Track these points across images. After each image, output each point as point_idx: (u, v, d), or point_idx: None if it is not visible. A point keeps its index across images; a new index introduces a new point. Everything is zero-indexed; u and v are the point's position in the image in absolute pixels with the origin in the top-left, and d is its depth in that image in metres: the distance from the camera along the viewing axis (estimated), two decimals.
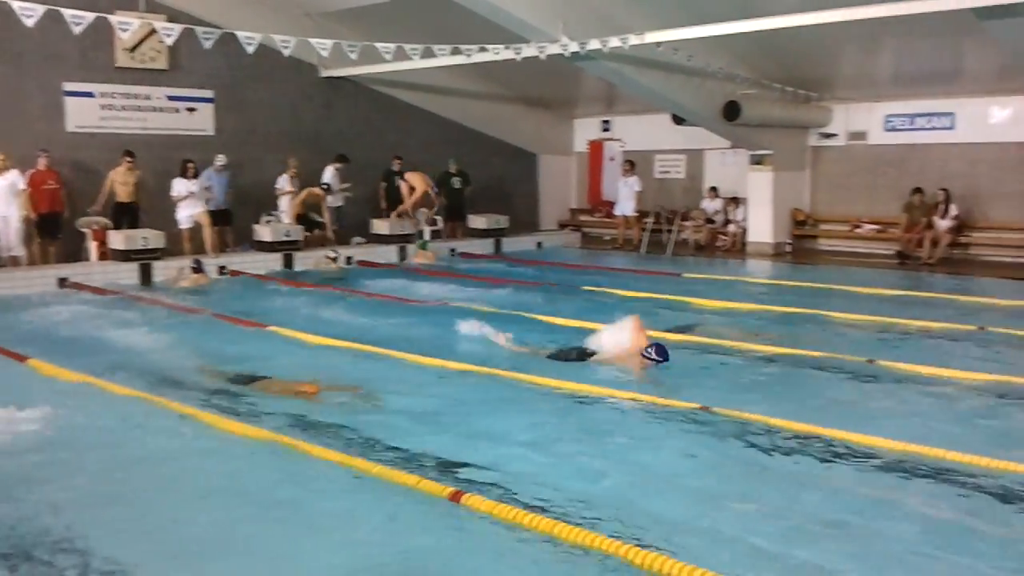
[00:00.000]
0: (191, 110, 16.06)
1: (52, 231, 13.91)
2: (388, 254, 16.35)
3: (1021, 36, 11.19)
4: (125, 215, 14.36)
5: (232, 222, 15.69)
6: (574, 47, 13.23)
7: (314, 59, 16.13)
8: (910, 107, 16.53)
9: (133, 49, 15.19)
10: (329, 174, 16.36)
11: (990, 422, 6.34)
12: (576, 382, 7.23)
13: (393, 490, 4.96)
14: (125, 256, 13.58)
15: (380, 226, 16.92)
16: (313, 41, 12.66)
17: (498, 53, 13.95)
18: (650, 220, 18.42)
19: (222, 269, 14.18)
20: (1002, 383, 7.21)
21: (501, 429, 6.20)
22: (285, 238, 15.24)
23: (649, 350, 7.73)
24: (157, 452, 5.79)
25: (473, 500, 4.70)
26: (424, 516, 4.64)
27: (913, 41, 13.91)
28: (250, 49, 12.17)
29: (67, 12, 10.58)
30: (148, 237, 13.81)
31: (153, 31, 13.40)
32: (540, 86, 18.79)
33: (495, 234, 18.20)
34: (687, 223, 18.45)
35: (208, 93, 16.20)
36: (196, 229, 14.55)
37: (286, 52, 12.51)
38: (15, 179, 13.28)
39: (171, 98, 15.82)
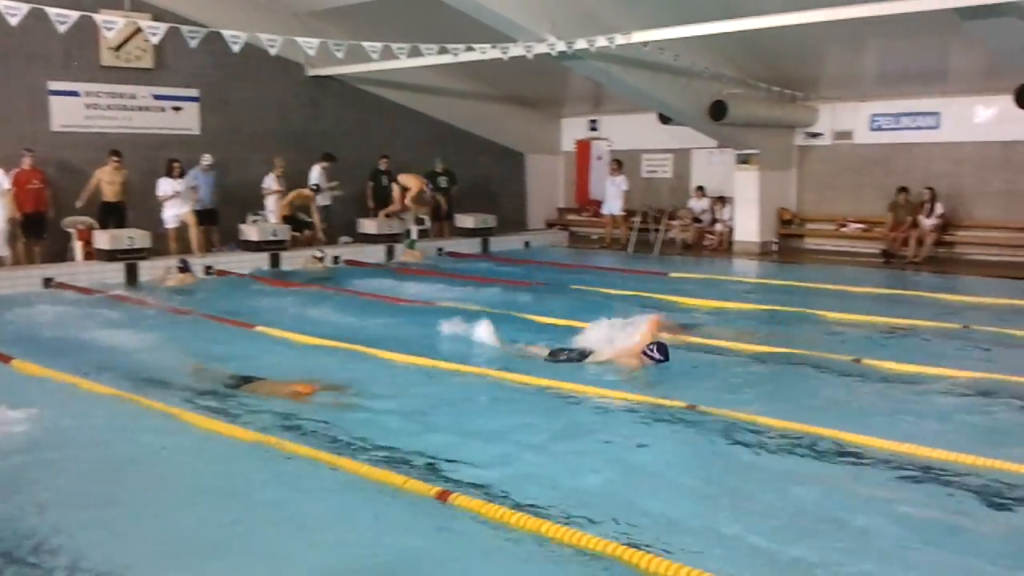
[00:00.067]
0: (177, 109, 16.00)
1: (37, 231, 13.84)
2: (376, 254, 16.33)
3: (1004, 36, 11.26)
4: (112, 215, 14.30)
5: (218, 222, 15.64)
6: (561, 46, 13.24)
7: (300, 58, 16.08)
8: (895, 107, 16.61)
9: (118, 48, 15.12)
10: (316, 173, 16.32)
11: (974, 419, 6.38)
12: (564, 381, 7.24)
13: (381, 490, 4.95)
14: (111, 256, 13.52)
15: (368, 225, 16.91)
16: (299, 40, 12.62)
17: (485, 52, 13.95)
18: (637, 219, 18.45)
19: (208, 269, 14.13)
20: (986, 380, 7.25)
21: (489, 428, 6.21)
22: (272, 238, 15.21)
23: (651, 347, 7.70)
24: (145, 453, 5.77)
25: (460, 499, 4.71)
26: (411, 516, 4.64)
27: (898, 41, 13.98)
28: (236, 48, 12.13)
29: (52, 11, 10.52)
30: (134, 237, 13.76)
31: (138, 30, 13.35)
32: (527, 85, 18.80)
33: (483, 233, 18.20)
34: (674, 222, 18.49)
35: (194, 92, 16.13)
36: (182, 229, 14.49)
37: (272, 51, 12.47)
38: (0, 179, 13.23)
39: (157, 97, 15.75)
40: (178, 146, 15.43)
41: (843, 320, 10.08)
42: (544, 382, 7.26)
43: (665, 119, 17.71)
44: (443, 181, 18.12)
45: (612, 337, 8.07)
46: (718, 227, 18.17)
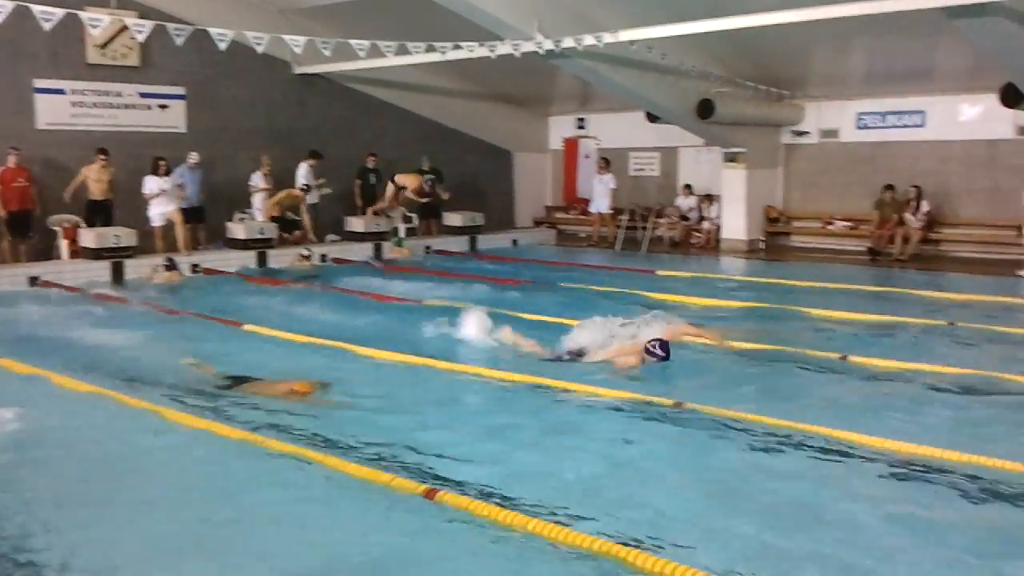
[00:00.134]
0: (163, 107, 15.93)
1: (23, 229, 13.77)
2: (363, 251, 16.31)
3: (990, 35, 11.31)
4: (99, 213, 14.24)
5: (205, 220, 15.59)
6: (549, 45, 13.24)
7: (287, 56, 16.04)
8: (881, 105, 16.69)
9: (104, 46, 15.05)
10: (303, 171, 16.29)
11: (959, 416, 6.41)
12: (552, 379, 7.25)
13: (368, 488, 4.95)
14: (97, 254, 13.47)
15: (355, 224, 16.89)
16: (286, 38, 12.58)
17: (473, 51, 13.94)
18: (625, 217, 18.49)
19: (195, 267, 14.10)
20: (971, 376, 7.30)
21: (477, 426, 6.23)
22: (259, 236, 15.17)
23: (654, 344, 7.65)
24: (133, 452, 5.75)
25: (448, 497, 4.71)
26: (398, 514, 4.64)
27: (884, 40, 14.04)
28: (222, 46, 12.08)
29: (37, 8, 10.45)
30: (120, 235, 13.71)
31: (124, 27, 13.30)
32: (515, 84, 18.79)
33: (470, 232, 18.21)
34: (661, 220, 18.53)
35: (180, 90, 16.07)
36: (168, 227, 14.44)
37: (259, 49, 12.43)
38: None
39: (143, 95, 15.68)
40: (164, 144, 15.37)
41: (829, 317, 10.12)
42: (532, 379, 7.27)
43: (653, 117, 17.74)
44: (430, 179, 18.09)
45: (612, 335, 8.04)
46: (705, 225, 18.22)
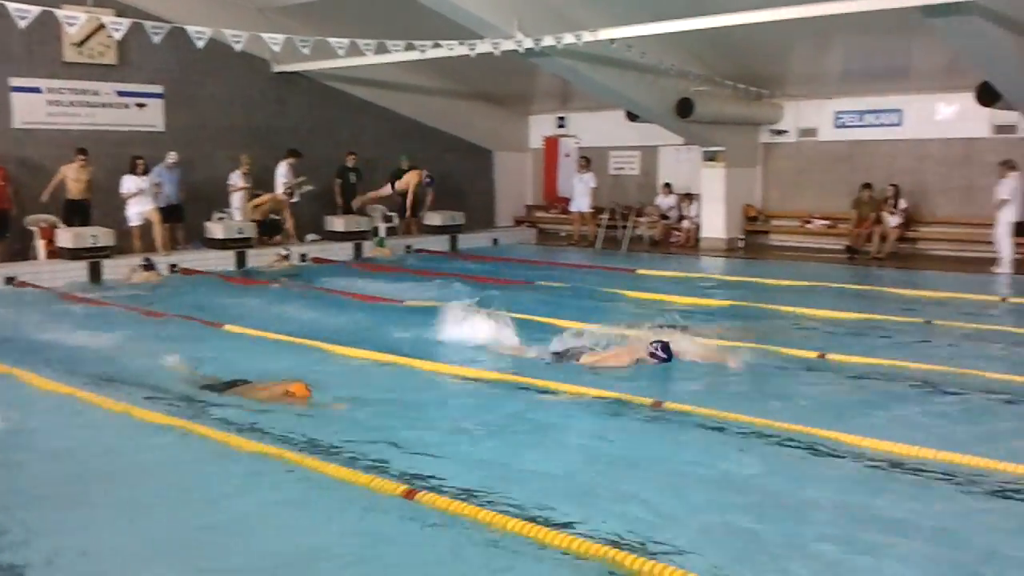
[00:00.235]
0: (141, 106, 15.82)
1: None
2: (343, 251, 16.27)
3: (965, 34, 11.41)
4: (77, 212, 14.13)
5: (184, 219, 15.50)
6: (528, 43, 13.25)
7: (266, 54, 15.98)
8: (859, 104, 16.81)
9: (81, 44, 14.93)
10: (283, 170, 16.22)
11: (936, 413, 6.46)
12: (535, 379, 7.25)
13: (347, 489, 4.94)
14: (74, 254, 13.37)
15: (335, 223, 16.85)
16: (265, 36, 12.53)
17: (452, 49, 13.93)
18: (605, 216, 18.54)
19: (173, 267, 14.03)
20: (948, 374, 7.35)
21: (458, 426, 6.21)
22: (237, 235, 15.10)
23: (655, 346, 7.65)
24: (110, 454, 5.71)
25: (427, 497, 4.71)
26: (378, 515, 4.63)
27: (862, 39, 14.13)
28: (200, 44, 12.01)
29: (12, 6, 10.34)
30: (97, 235, 13.62)
31: (101, 26, 13.17)
32: (495, 82, 18.79)
33: (451, 231, 18.20)
34: (642, 219, 18.58)
35: (158, 88, 15.97)
36: (146, 227, 14.36)
37: (237, 47, 12.38)
38: None
39: (120, 94, 15.57)
40: (142, 143, 15.27)
41: (808, 315, 10.18)
42: (515, 379, 7.29)
43: (632, 116, 17.79)
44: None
45: (604, 343, 8.04)
46: (685, 224, 18.28)
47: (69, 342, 8.97)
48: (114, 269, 13.51)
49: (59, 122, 14.90)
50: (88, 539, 4.45)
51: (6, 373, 7.53)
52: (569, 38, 12.86)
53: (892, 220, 15.81)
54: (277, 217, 16.18)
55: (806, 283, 12.60)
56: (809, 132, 17.57)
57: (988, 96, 13.89)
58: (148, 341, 8.92)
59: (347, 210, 17.27)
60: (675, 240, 18.29)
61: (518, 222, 21.39)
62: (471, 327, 8.71)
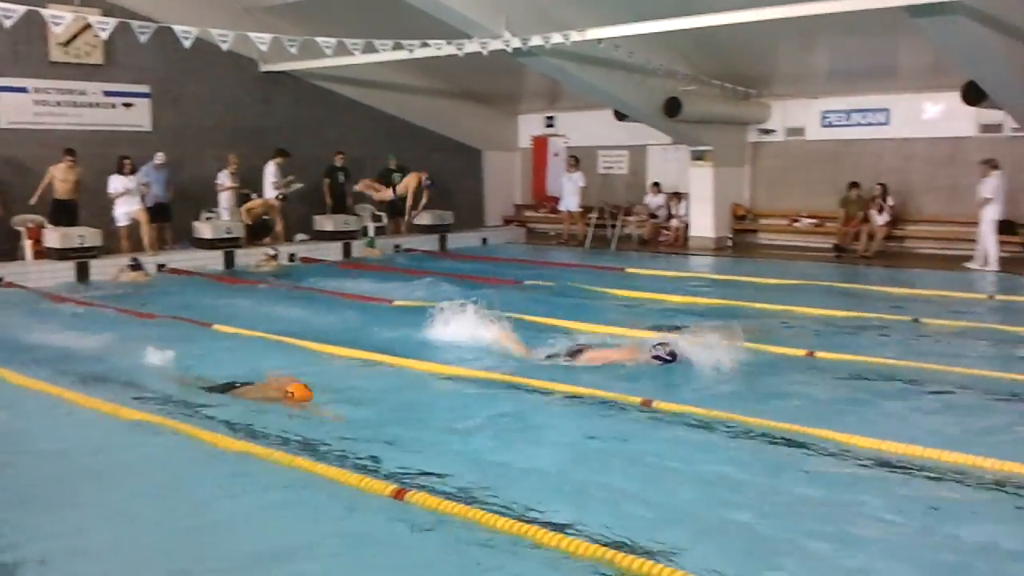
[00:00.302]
0: (128, 105, 15.76)
1: None
2: (332, 251, 16.24)
3: (950, 34, 11.46)
4: (64, 213, 14.06)
5: (171, 219, 15.44)
6: (516, 43, 13.25)
7: (253, 54, 15.93)
8: (846, 103, 16.89)
9: (67, 43, 14.86)
10: (271, 169, 16.18)
11: (925, 410, 6.50)
12: (524, 377, 7.25)
13: (337, 489, 4.93)
14: (62, 255, 13.32)
15: (324, 223, 16.82)
16: (252, 35, 12.48)
17: (440, 49, 13.93)
18: (594, 215, 18.57)
19: (161, 267, 13.98)
20: (936, 372, 7.38)
21: (447, 425, 6.20)
22: (226, 235, 15.06)
23: (657, 347, 7.62)
24: (97, 456, 5.69)
25: (417, 497, 4.70)
26: (368, 515, 4.63)
27: (849, 39, 14.17)
28: (187, 43, 11.97)
29: None
30: (85, 235, 13.57)
31: (88, 25, 13.10)
32: (483, 82, 18.79)
33: (440, 230, 18.20)
34: (630, 218, 18.62)
35: (145, 88, 15.90)
36: (134, 227, 14.30)
37: (224, 46, 12.34)
38: None
39: (107, 93, 15.50)
40: (129, 143, 15.21)
41: (797, 314, 10.21)
42: (503, 377, 7.29)
43: (621, 116, 17.81)
44: (397, 178, 18.00)
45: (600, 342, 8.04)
46: (673, 223, 18.32)
47: (57, 342, 8.93)
48: (102, 269, 13.46)
49: (46, 122, 14.83)
50: (78, 540, 4.44)
51: None
52: (557, 38, 12.87)
53: (879, 219, 15.89)
54: (267, 217, 16.14)
55: (794, 282, 12.65)
56: (796, 131, 17.63)
57: (974, 95, 13.96)
58: (136, 341, 8.86)
59: (336, 210, 17.24)
60: (664, 239, 18.32)
61: (507, 221, 21.40)
62: (462, 326, 8.69)
